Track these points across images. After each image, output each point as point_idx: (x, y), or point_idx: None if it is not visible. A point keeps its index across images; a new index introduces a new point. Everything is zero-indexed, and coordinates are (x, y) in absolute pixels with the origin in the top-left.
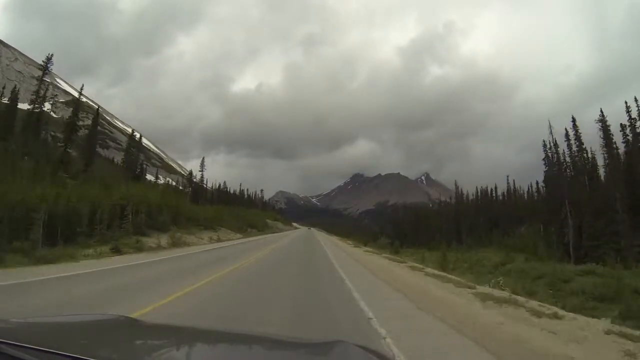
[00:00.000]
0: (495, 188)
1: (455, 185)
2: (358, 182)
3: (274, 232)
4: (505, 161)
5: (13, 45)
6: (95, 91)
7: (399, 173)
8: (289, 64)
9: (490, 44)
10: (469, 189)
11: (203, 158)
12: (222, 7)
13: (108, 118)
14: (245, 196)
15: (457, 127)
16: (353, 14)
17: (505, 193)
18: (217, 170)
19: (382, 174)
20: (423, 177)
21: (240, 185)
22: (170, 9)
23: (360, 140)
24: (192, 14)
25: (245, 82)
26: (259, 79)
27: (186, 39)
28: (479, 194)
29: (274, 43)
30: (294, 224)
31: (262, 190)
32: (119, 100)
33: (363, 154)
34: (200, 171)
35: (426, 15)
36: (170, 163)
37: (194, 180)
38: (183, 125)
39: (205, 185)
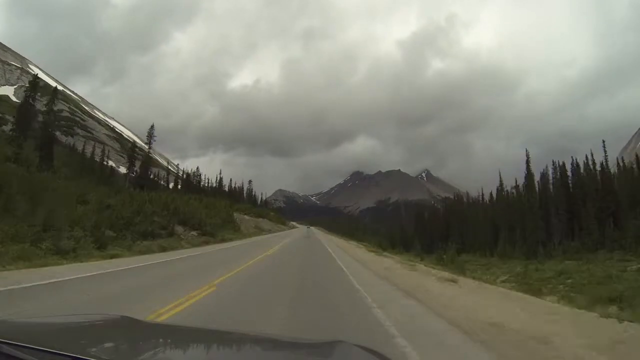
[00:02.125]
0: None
1: (527, 159)
2: (358, 179)
3: (239, 239)
4: (506, 156)
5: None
6: (90, 90)
7: (399, 170)
8: (288, 59)
9: (493, 37)
10: (470, 186)
11: (152, 125)
12: (218, 0)
13: (86, 108)
14: (226, 188)
15: (458, 122)
16: (353, 7)
17: (590, 166)
18: (215, 169)
19: (383, 171)
20: (424, 174)
21: (220, 172)
22: (166, 2)
23: (360, 137)
24: (188, 9)
25: (242, 78)
26: (256, 74)
27: (182, 35)
28: (556, 169)
29: (271, 37)
30: (293, 223)
31: (250, 182)
32: (115, 99)
33: (363, 150)
34: (147, 143)
35: (428, 7)
36: (156, 157)
37: (138, 154)
38: (180, 123)
39: (162, 164)
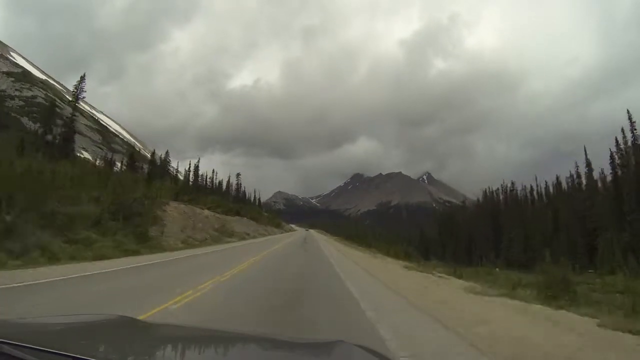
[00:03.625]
0: None
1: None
2: (359, 182)
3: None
4: (507, 159)
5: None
6: (89, 89)
7: (400, 172)
8: (288, 59)
9: (496, 37)
10: (471, 189)
11: (82, 76)
12: None
13: (70, 98)
14: (207, 183)
15: (460, 123)
16: (354, 5)
17: None
18: (212, 169)
19: (383, 173)
20: (425, 177)
21: (198, 160)
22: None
23: (360, 138)
24: (187, 7)
25: (242, 78)
26: (256, 74)
27: (181, 33)
28: None
29: (271, 36)
30: (292, 225)
31: (238, 175)
32: (113, 99)
33: (364, 152)
34: (72, 101)
35: (430, 6)
36: (145, 153)
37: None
38: (178, 124)
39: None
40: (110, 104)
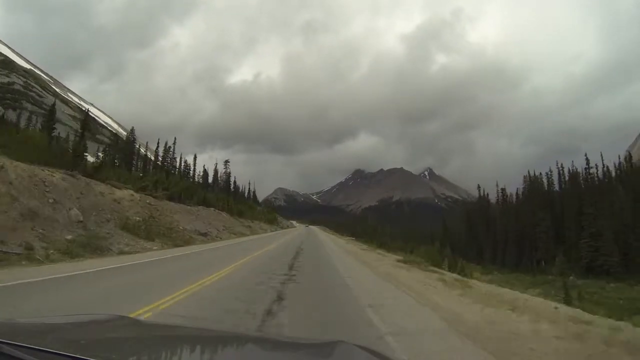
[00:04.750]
0: None
1: None
2: (360, 177)
3: None
4: (509, 155)
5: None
6: (89, 87)
7: (401, 168)
8: (289, 54)
9: (499, 32)
10: (473, 185)
11: None
12: None
13: (58, 90)
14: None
15: (461, 119)
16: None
17: None
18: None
19: (385, 169)
20: (426, 172)
21: (174, 141)
22: None
23: (362, 134)
24: (187, 1)
25: (242, 73)
26: (256, 69)
27: (181, 29)
28: None
29: (272, 31)
30: (292, 222)
31: (227, 162)
32: (112, 96)
33: (364, 148)
34: None
35: (433, 0)
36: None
37: None
38: (177, 120)
39: None
40: (110, 100)
